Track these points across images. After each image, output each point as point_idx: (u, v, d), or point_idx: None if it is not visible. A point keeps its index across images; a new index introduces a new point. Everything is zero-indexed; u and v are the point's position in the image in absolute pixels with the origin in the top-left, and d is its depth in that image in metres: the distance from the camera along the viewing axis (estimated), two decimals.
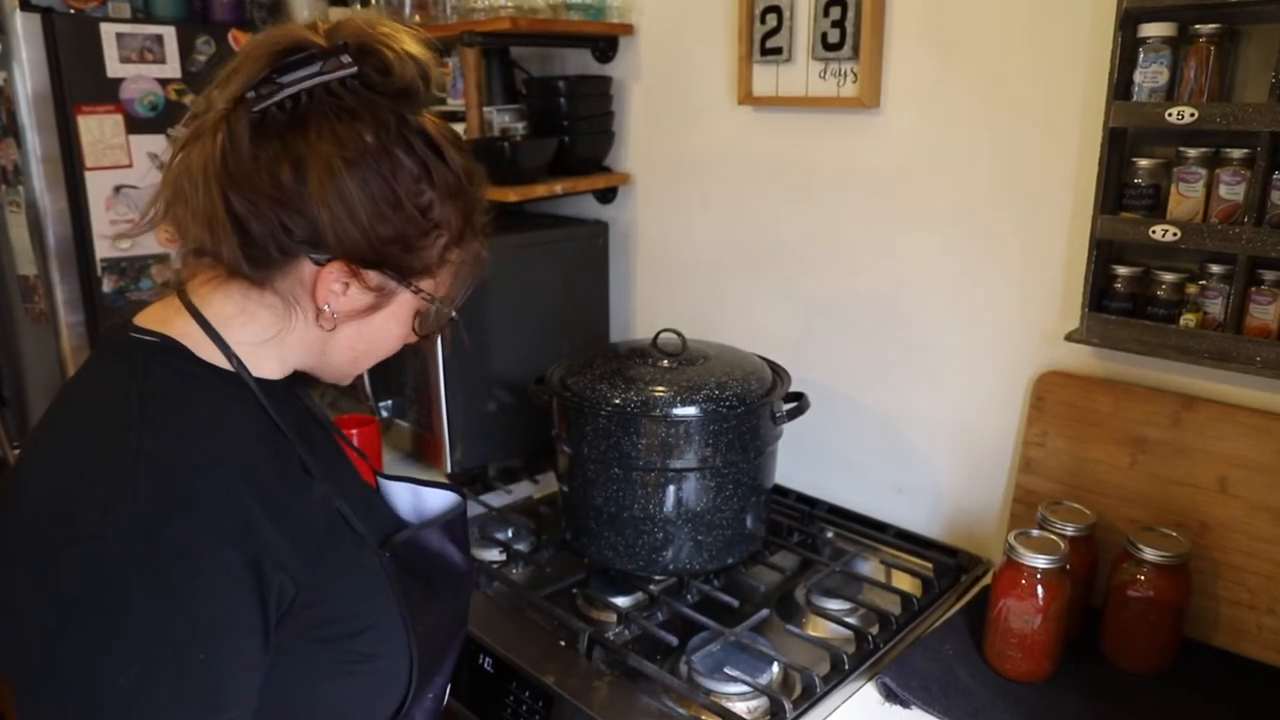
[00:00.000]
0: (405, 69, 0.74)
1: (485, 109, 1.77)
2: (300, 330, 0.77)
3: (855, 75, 1.41)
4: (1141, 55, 1.10)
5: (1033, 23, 1.23)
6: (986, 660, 1.13)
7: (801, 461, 1.61)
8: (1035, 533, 1.12)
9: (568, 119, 1.72)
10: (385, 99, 0.73)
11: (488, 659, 1.20)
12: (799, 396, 1.38)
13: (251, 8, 2.28)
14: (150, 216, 0.76)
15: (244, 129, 0.70)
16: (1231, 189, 1.07)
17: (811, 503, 1.58)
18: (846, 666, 1.13)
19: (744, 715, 1.07)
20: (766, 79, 1.53)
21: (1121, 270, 1.18)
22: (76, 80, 1.96)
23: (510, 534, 1.49)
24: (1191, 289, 1.14)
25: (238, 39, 2.16)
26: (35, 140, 1.94)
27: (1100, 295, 1.20)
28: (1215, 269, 1.12)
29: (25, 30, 1.89)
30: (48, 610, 0.63)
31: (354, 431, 1.61)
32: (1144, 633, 1.11)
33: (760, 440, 1.32)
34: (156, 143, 2.08)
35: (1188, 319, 1.13)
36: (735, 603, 1.29)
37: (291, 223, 0.71)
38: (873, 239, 1.47)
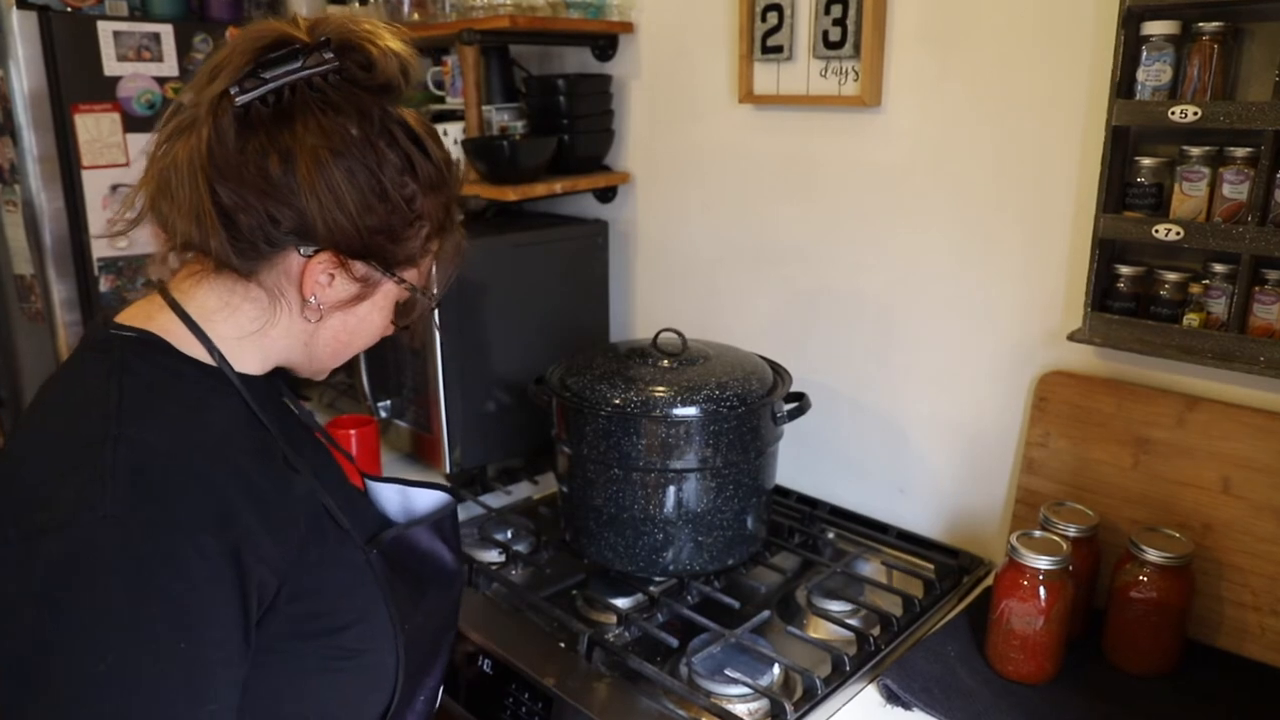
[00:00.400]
0: (387, 64, 0.76)
1: (484, 107, 1.77)
2: (285, 323, 0.79)
3: (856, 74, 1.41)
4: (1144, 53, 1.10)
5: (1035, 21, 1.23)
6: (988, 662, 1.13)
7: (802, 462, 1.61)
8: (1037, 534, 1.12)
9: (567, 117, 1.72)
10: (368, 93, 0.75)
11: (487, 660, 1.20)
12: (800, 396, 1.38)
13: (249, 6, 2.28)
14: (135, 212, 0.77)
15: (229, 123, 0.71)
16: (1235, 188, 1.07)
17: (812, 503, 1.58)
18: (848, 668, 1.13)
19: (744, 717, 1.07)
20: (767, 77, 1.53)
21: (1124, 270, 1.18)
22: (73, 78, 1.96)
23: (509, 535, 1.49)
24: (1195, 288, 1.14)
25: (237, 37, 2.15)
26: (31, 139, 1.94)
27: (1103, 295, 1.20)
28: (1218, 268, 1.12)
29: (22, 28, 1.89)
30: (25, 597, 0.63)
31: (352, 432, 1.61)
32: (1146, 634, 1.11)
33: (761, 441, 1.32)
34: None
35: (1191, 319, 1.13)
36: (736, 604, 1.29)
37: (280, 214, 0.72)
38: (874, 238, 1.47)
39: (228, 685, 0.68)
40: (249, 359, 0.79)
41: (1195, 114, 1.05)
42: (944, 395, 1.43)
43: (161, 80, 2.07)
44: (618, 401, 1.26)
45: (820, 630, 1.25)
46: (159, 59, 2.06)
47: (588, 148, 1.78)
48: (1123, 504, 1.22)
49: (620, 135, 1.82)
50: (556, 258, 1.76)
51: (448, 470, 1.65)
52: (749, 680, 1.09)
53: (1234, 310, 1.10)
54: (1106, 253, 1.19)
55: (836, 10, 1.40)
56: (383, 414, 1.74)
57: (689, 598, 1.33)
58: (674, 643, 1.19)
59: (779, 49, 1.49)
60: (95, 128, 2.00)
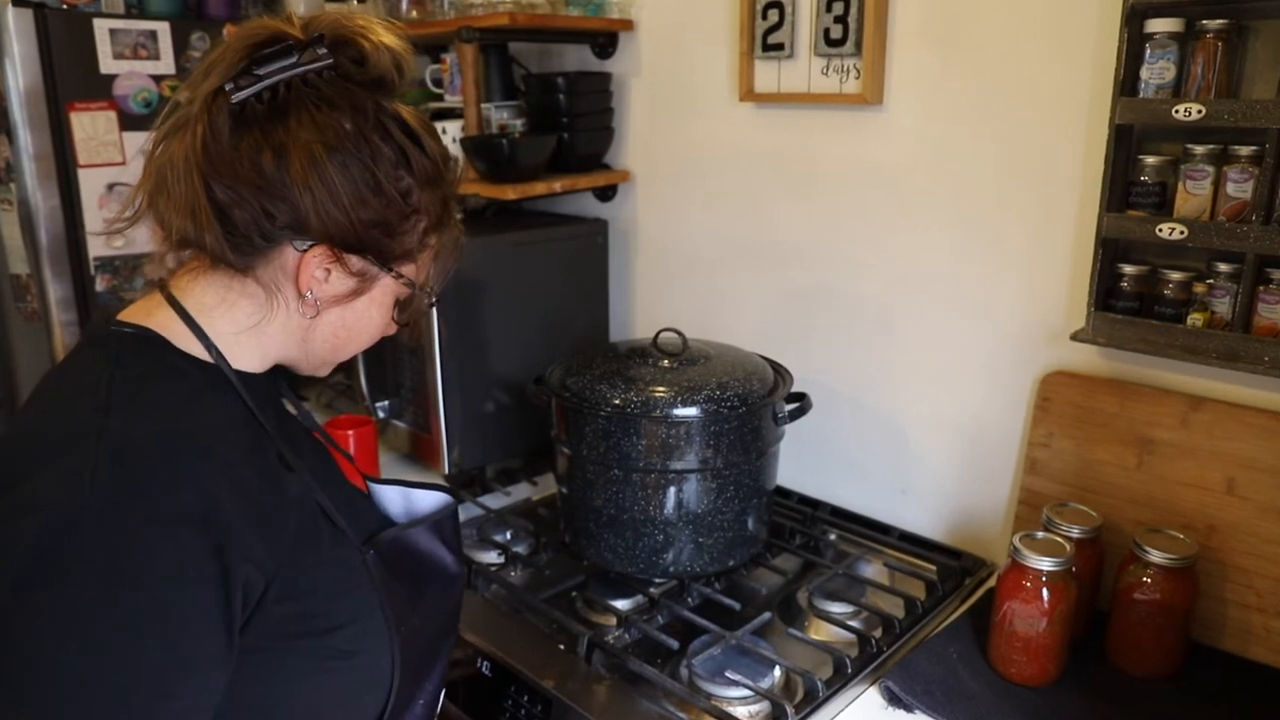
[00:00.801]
0: (381, 59, 0.77)
1: (483, 106, 1.77)
2: (282, 319, 0.79)
3: (858, 71, 1.41)
4: (1148, 51, 1.10)
5: (1038, 18, 1.23)
6: (991, 664, 1.13)
7: (804, 463, 1.61)
8: (1040, 535, 1.12)
9: (567, 116, 1.72)
10: (362, 88, 0.76)
11: (486, 663, 1.20)
12: (801, 397, 1.38)
13: (246, 3, 2.28)
14: (133, 210, 0.77)
15: (224, 120, 0.72)
16: (1239, 186, 1.07)
17: (814, 504, 1.58)
18: (849, 670, 1.13)
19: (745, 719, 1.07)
20: (768, 75, 1.53)
21: (1128, 269, 1.18)
22: (69, 76, 1.96)
23: (509, 536, 1.49)
24: (1199, 288, 1.14)
25: (231, 34, 2.16)
26: (27, 137, 1.94)
27: (1106, 294, 1.20)
28: (1223, 267, 1.12)
29: (17, 25, 1.88)
30: (1, 582, 0.63)
31: (350, 432, 1.61)
32: (1150, 636, 1.11)
33: (762, 441, 1.32)
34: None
35: (1195, 318, 1.13)
36: (736, 606, 1.29)
37: (274, 209, 0.73)
38: (876, 237, 1.47)
39: (203, 684, 0.67)
40: (247, 356, 0.80)
41: (1199, 112, 1.05)
42: (946, 395, 1.43)
43: (158, 78, 2.07)
44: (618, 402, 1.26)
45: (821, 632, 1.25)
46: (155, 57, 2.06)
47: (587, 146, 1.78)
48: (1126, 505, 1.22)
49: (620, 133, 1.82)
50: (556, 257, 1.76)
51: (446, 471, 1.65)
52: (750, 682, 1.09)
53: (1238, 310, 1.10)
54: (1110, 252, 1.19)
55: (838, 8, 1.40)
56: (381, 414, 1.74)
57: (689, 599, 1.33)
58: (674, 645, 1.19)
59: (780, 47, 1.49)
60: (91, 126, 2.00)
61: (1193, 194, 1.11)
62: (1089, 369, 1.28)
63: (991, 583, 1.26)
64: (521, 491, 1.69)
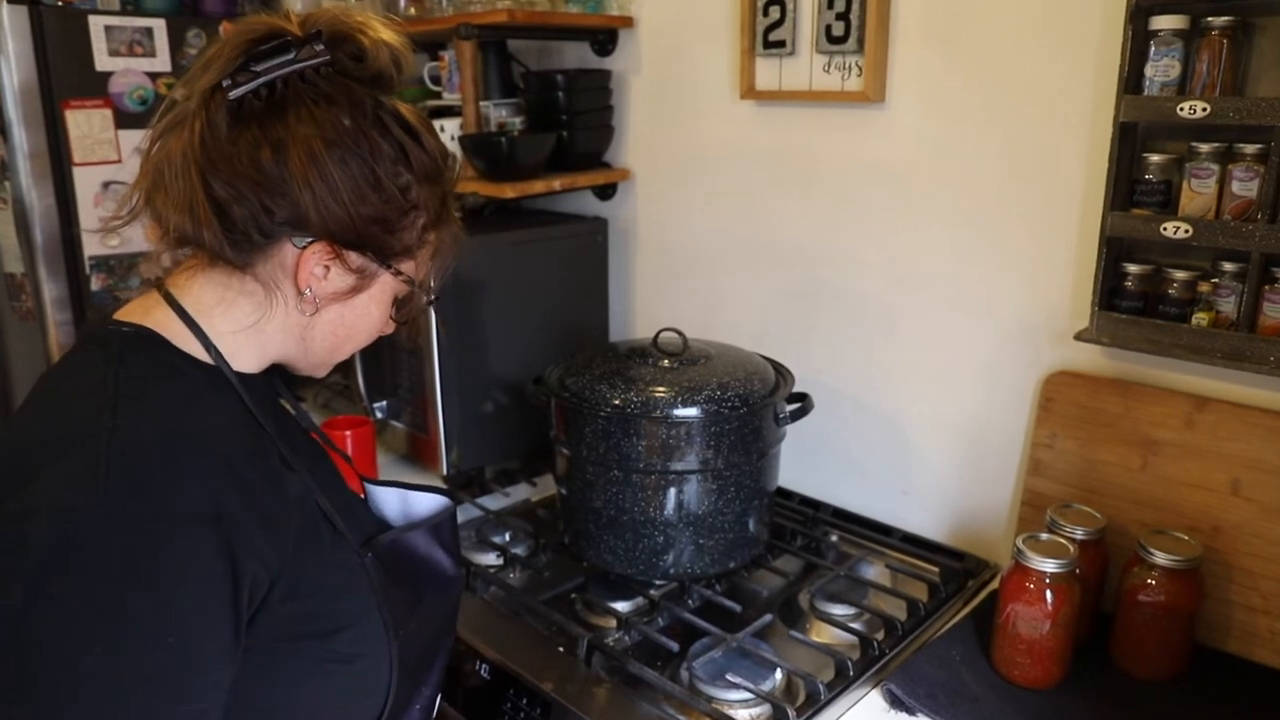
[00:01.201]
0: (379, 55, 0.77)
1: (482, 103, 1.77)
2: (281, 317, 0.79)
3: (860, 69, 1.41)
4: (1153, 48, 1.10)
5: (1042, 15, 1.23)
6: (994, 666, 1.13)
7: (805, 464, 1.61)
8: (1044, 536, 1.12)
9: (566, 113, 1.72)
10: (360, 85, 0.77)
11: (484, 665, 1.20)
12: (803, 397, 1.38)
13: (243, 0, 2.28)
14: (130, 208, 0.77)
15: (222, 116, 0.73)
16: (1245, 185, 1.07)
17: (815, 505, 1.58)
18: (851, 673, 1.13)
19: None
20: (769, 73, 1.53)
21: (1132, 268, 1.18)
22: (64, 74, 1.95)
23: (507, 537, 1.49)
24: (1204, 287, 1.14)
25: (228, 31, 2.15)
26: (22, 135, 1.94)
27: (1110, 294, 1.20)
28: (1228, 267, 1.11)
29: (11, 22, 1.88)
30: (10, 583, 0.62)
31: (347, 433, 1.61)
32: (1155, 638, 1.11)
33: (763, 442, 1.32)
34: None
35: (1200, 318, 1.13)
36: (737, 608, 1.29)
37: (273, 204, 0.73)
38: (878, 236, 1.47)
39: (215, 682, 0.68)
40: (246, 355, 0.80)
41: (1204, 110, 1.05)
42: (948, 395, 1.43)
43: (154, 76, 2.07)
44: (617, 402, 1.26)
45: (823, 634, 1.25)
46: (151, 54, 2.06)
47: (587, 144, 1.78)
48: (1130, 506, 1.22)
49: (620, 131, 1.82)
50: (555, 256, 1.76)
51: (444, 472, 1.65)
52: (751, 685, 1.09)
53: (1244, 309, 1.10)
54: (1114, 251, 1.18)
55: (840, 4, 1.40)
56: (378, 415, 1.74)
57: (690, 601, 1.33)
58: (674, 647, 1.19)
59: (781, 44, 1.49)
60: (86, 124, 2.00)
61: (1198, 192, 1.11)
62: (1093, 369, 1.28)
63: (994, 585, 1.26)
64: (520, 493, 1.69)
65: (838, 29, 1.41)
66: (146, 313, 0.77)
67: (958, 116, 1.34)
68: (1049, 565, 1.06)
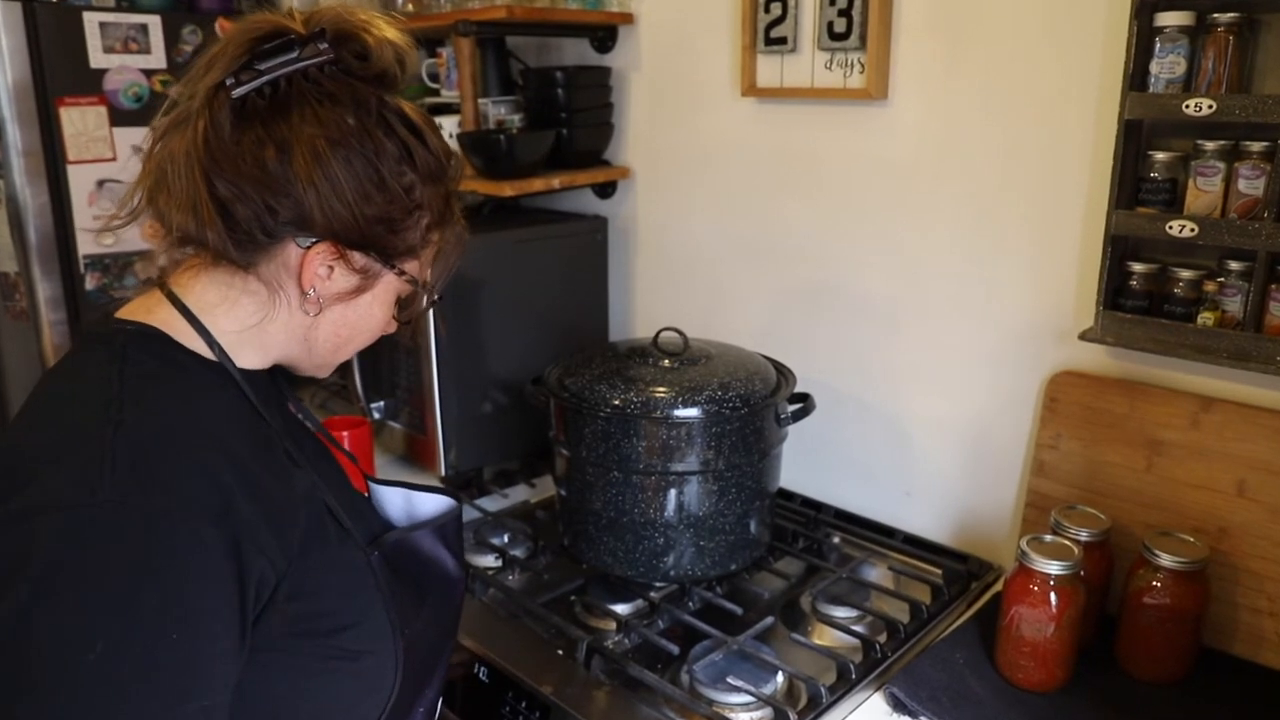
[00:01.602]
0: (383, 53, 0.78)
1: (480, 101, 1.77)
2: (284, 317, 0.79)
3: (862, 66, 1.41)
4: (1158, 45, 1.10)
5: (1046, 11, 1.23)
6: (998, 669, 1.13)
7: (807, 464, 1.61)
8: (1048, 538, 1.12)
9: (566, 111, 1.72)
10: (364, 83, 0.77)
11: (483, 668, 1.20)
12: (804, 397, 1.38)
13: None
14: (132, 208, 0.78)
15: (225, 115, 0.73)
16: (1251, 183, 1.07)
17: (817, 507, 1.58)
18: (853, 676, 1.13)
19: None
20: (771, 70, 1.53)
21: (1137, 267, 1.18)
22: (58, 71, 1.96)
23: (506, 539, 1.49)
24: (1209, 286, 1.14)
25: (224, 28, 2.15)
26: (15, 133, 1.94)
27: (1115, 293, 1.20)
28: (1234, 266, 1.12)
29: (5, 19, 1.89)
30: (15, 578, 0.62)
31: (345, 434, 1.61)
32: (1160, 641, 1.11)
33: (764, 443, 1.32)
34: (141, 135, 2.06)
35: (1205, 317, 1.13)
36: (738, 610, 1.29)
37: (277, 204, 0.74)
38: (880, 235, 1.47)
39: (221, 680, 0.68)
40: (249, 355, 0.80)
41: (1210, 107, 1.05)
42: (952, 396, 1.43)
43: (149, 73, 2.07)
44: (617, 402, 1.26)
45: (825, 637, 1.25)
46: (146, 51, 2.06)
47: (586, 142, 1.78)
48: (1136, 507, 1.22)
49: (620, 129, 1.82)
50: (554, 255, 1.76)
51: (442, 473, 1.65)
52: (752, 688, 1.09)
53: (1250, 309, 1.10)
54: (1119, 250, 1.18)
55: (842, 1, 1.40)
56: (376, 415, 1.74)
57: (690, 604, 1.33)
58: (675, 650, 1.19)
59: (783, 40, 1.49)
60: (81, 121, 2.00)
61: (1203, 191, 1.11)
62: (1097, 369, 1.28)
63: (998, 587, 1.26)
64: (519, 494, 1.69)
65: (840, 25, 1.41)
66: (149, 311, 0.78)
67: (961, 114, 1.34)
68: (1053, 567, 1.06)
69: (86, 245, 2.05)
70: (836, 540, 1.51)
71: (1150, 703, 1.08)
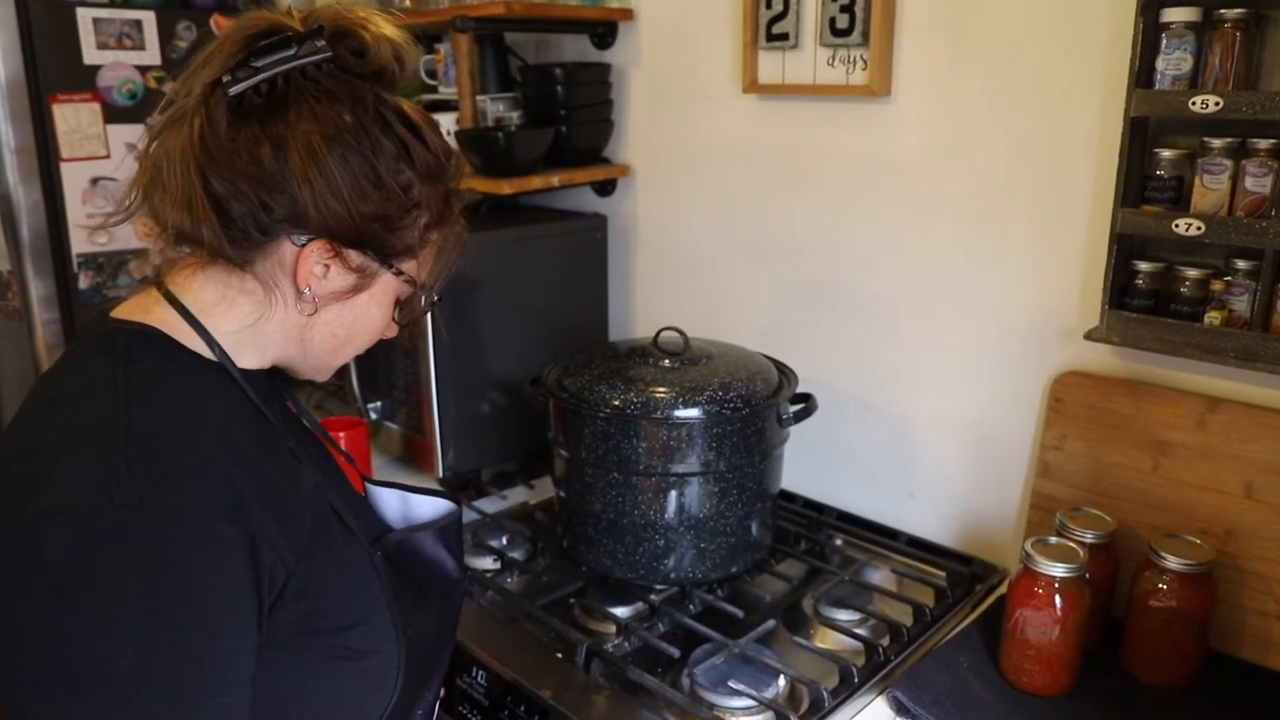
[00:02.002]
0: (381, 50, 0.78)
1: (479, 98, 1.77)
2: (280, 317, 0.80)
3: (865, 62, 1.41)
4: (1164, 41, 1.10)
5: (1051, 7, 1.23)
6: (1002, 673, 1.13)
7: (809, 466, 1.61)
8: (1053, 540, 1.12)
9: (565, 108, 1.72)
10: (362, 81, 0.77)
11: (481, 672, 1.20)
12: (806, 398, 1.38)
13: None
14: (128, 205, 0.78)
15: (222, 113, 0.73)
16: (1258, 181, 1.07)
17: (819, 509, 1.58)
18: (856, 680, 1.13)
19: None
20: (772, 66, 1.53)
21: (1143, 266, 1.18)
22: (51, 67, 1.96)
23: (505, 541, 1.49)
24: (1216, 285, 1.14)
25: (220, 24, 2.16)
26: (8, 130, 1.94)
27: (1121, 292, 1.20)
28: (1241, 264, 1.12)
29: None
30: (38, 586, 0.63)
31: (341, 434, 1.61)
32: (1167, 644, 1.11)
33: (766, 443, 1.32)
34: (135, 132, 2.08)
35: (1212, 317, 1.13)
36: (740, 613, 1.29)
37: (272, 201, 0.74)
38: (883, 233, 1.47)
39: (246, 674, 0.70)
40: (247, 355, 0.80)
41: (1217, 104, 1.05)
42: (955, 396, 1.43)
43: (143, 69, 2.07)
44: (617, 403, 1.26)
45: (827, 640, 1.25)
46: (141, 47, 2.06)
47: (586, 139, 1.78)
48: (1142, 509, 1.22)
49: (620, 126, 1.82)
50: (553, 253, 1.76)
51: (440, 474, 1.65)
52: (753, 692, 1.09)
53: (1257, 308, 1.10)
54: (1124, 248, 1.18)
55: None
56: (373, 416, 1.74)
57: (691, 606, 1.33)
58: (675, 653, 1.19)
59: (784, 36, 1.49)
60: (74, 118, 2.00)
61: (1210, 188, 1.11)
62: (1103, 369, 1.28)
63: (1003, 589, 1.26)
64: (518, 495, 1.69)
65: (842, 21, 1.41)
66: (147, 310, 0.78)
67: (964, 111, 1.34)
68: (1058, 570, 1.06)
69: (80, 244, 2.05)
70: (839, 542, 1.51)
71: (1156, 707, 1.09)
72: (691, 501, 1.29)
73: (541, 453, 1.68)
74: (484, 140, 1.67)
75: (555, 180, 1.72)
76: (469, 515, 1.56)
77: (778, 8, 1.48)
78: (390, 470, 1.74)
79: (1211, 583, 1.10)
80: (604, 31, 1.78)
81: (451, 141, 1.72)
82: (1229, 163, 1.09)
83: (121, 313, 0.78)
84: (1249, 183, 1.08)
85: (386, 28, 0.79)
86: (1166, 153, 1.14)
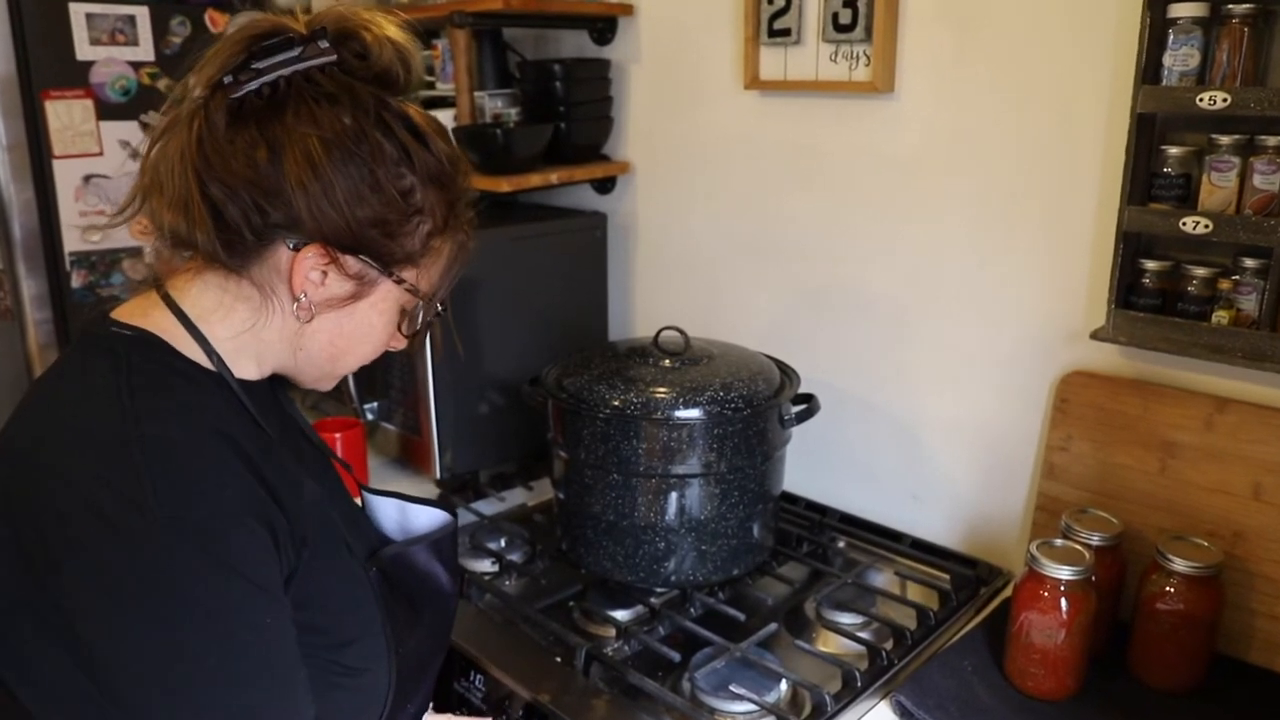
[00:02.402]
0: (383, 52, 0.77)
1: (476, 94, 1.77)
2: (277, 324, 0.79)
3: (868, 58, 1.41)
4: (1171, 37, 1.10)
5: (1055, 4, 1.23)
6: (1007, 677, 1.13)
7: (811, 467, 1.61)
8: (1059, 542, 1.12)
9: (564, 104, 1.72)
10: (364, 83, 0.77)
11: (479, 676, 1.20)
12: (809, 398, 1.38)
13: None
14: (128, 210, 0.78)
15: (221, 115, 0.73)
16: (1267, 178, 1.07)
17: (822, 510, 1.58)
18: (859, 684, 1.13)
19: None
20: (774, 62, 1.53)
21: (1150, 265, 1.18)
22: (44, 63, 1.96)
23: (503, 543, 1.49)
24: (1224, 284, 1.14)
25: (214, 20, 2.16)
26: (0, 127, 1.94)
27: (1127, 291, 1.20)
28: (1249, 263, 1.11)
29: None
30: (83, 613, 0.65)
31: (337, 435, 1.61)
32: (1174, 648, 1.11)
33: (768, 444, 1.32)
34: (128, 129, 2.08)
35: (1220, 316, 1.13)
36: (741, 616, 1.29)
37: (267, 205, 0.73)
38: (887, 231, 1.47)
39: (296, 653, 0.73)
40: (245, 363, 0.80)
41: (1225, 100, 1.05)
42: (960, 396, 1.43)
43: (137, 65, 2.07)
44: (617, 403, 1.26)
45: (830, 644, 1.25)
46: (134, 43, 2.06)
47: (585, 136, 1.78)
48: (1148, 511, 1.22)
49: (619, 123, 1.82)
50: (552, 252, 1.76)
51: (438, 476, 1.65)
52: (755, 697, 1.09)
53: (1265, 307, 1.10)
54: (1131, 247, 1.18)
55: None
56: (369, 416, 1.74)
57: (692, 610, 1.33)
58: (676, 657, 1.19)
59: (786, 32, 1.49)
60: (67, 115, 2.00)
61: (1218, 186, 1.11)
62: (1109, 369, 1.28)
63: (1007, 592, 1.26)
64: (516, 497, 1.69)
65: (845, 17, 1.41)
66: (146, 315, 0.77)
67: (969, 107, 1.34)
68: (1064, 572, 1.06)
69: (72, 242, 2.04)
70: (841, 544, 1.51)
71: (1163, 711, 1.08)
72: (692, 503, 1.29)
73: (540, 454, 1.68)
74: (482, 137, 1.67)
75: (554, 178, 1.72)
76: (467, 517, 1.56)
77: (780, 3, 1.48)
78: (387, 471, 1.74)
79: (1219, 585, 1.10)
80: (603, 27, 1.78)
81: None
82: (1237, 160, 1.09)
83: (121, 315, 0.78)
84: (1257, 180, 1.08)
85: (389, 29, 0.78)
86: (1174, 150, 1.14)
